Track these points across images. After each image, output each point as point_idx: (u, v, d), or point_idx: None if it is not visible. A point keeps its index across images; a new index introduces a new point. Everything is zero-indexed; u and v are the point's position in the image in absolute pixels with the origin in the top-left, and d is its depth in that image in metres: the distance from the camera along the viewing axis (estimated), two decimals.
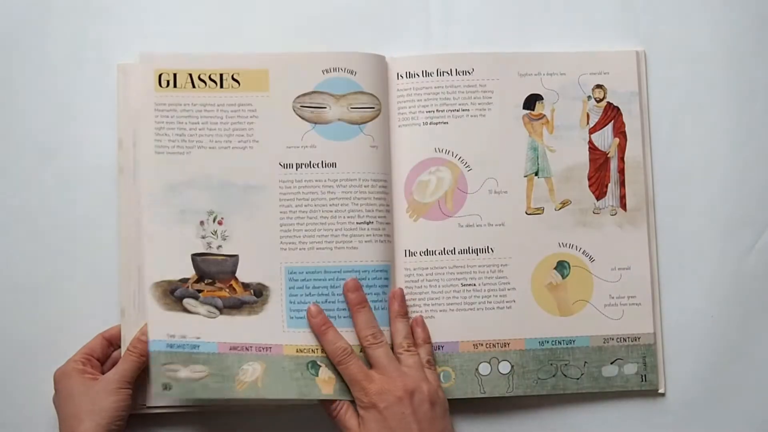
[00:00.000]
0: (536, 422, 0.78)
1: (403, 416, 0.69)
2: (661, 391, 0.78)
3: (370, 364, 0.73)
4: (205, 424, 0.78)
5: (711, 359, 0.80)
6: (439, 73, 0.80)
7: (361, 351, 0.74)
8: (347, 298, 0.75)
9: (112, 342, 0.76)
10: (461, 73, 0.80)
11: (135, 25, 0.82)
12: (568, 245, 0.79)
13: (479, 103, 0.79)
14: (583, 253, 0.79)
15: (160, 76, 0.77)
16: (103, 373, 0.74)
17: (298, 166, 0.77)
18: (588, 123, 0.80)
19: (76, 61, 0.81)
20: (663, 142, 0.81)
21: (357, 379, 0.71)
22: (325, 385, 0.74)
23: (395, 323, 0.75)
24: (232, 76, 0.78)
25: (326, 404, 0.74)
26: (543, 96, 0.80)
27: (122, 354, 0.75)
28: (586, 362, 0.77)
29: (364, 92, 0.78)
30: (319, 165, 0.77)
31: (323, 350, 0.74)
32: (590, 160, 0.80)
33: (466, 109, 0.79)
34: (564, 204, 0.80)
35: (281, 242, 0.77)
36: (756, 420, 0.79)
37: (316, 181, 0.77)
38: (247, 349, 0.75)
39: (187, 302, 0.76)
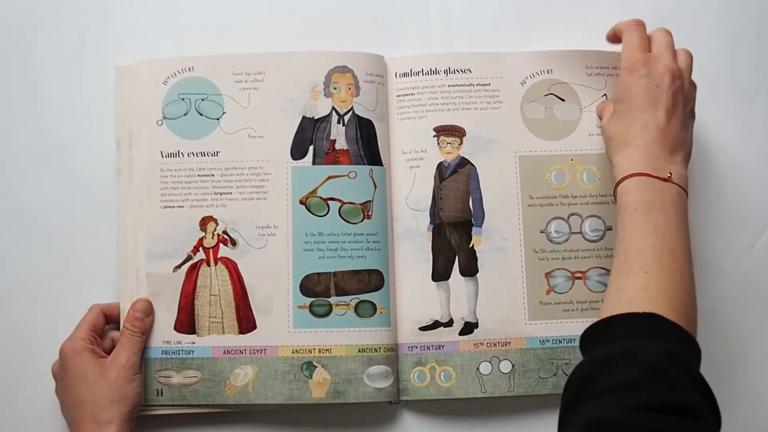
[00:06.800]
0: (537, 421, 0.77)
1: (658, 89, 0.69)
2: None
3: None
4: (204, 425, 0.77)
5: (711, 359, 0.79)
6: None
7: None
8: None
9: (108, 316, 0.76)
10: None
11: (133, 27, 0.82)
12: None
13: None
14: None
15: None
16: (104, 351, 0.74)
17: None
18: None
19: (74, 63, 0.81)
20: None
21: (633, 46, 0.72)
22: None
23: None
24: None
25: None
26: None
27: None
28: None
29: None
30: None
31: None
32: None
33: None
34: None
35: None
36: (756, 420, 0.79)
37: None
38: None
39: None
